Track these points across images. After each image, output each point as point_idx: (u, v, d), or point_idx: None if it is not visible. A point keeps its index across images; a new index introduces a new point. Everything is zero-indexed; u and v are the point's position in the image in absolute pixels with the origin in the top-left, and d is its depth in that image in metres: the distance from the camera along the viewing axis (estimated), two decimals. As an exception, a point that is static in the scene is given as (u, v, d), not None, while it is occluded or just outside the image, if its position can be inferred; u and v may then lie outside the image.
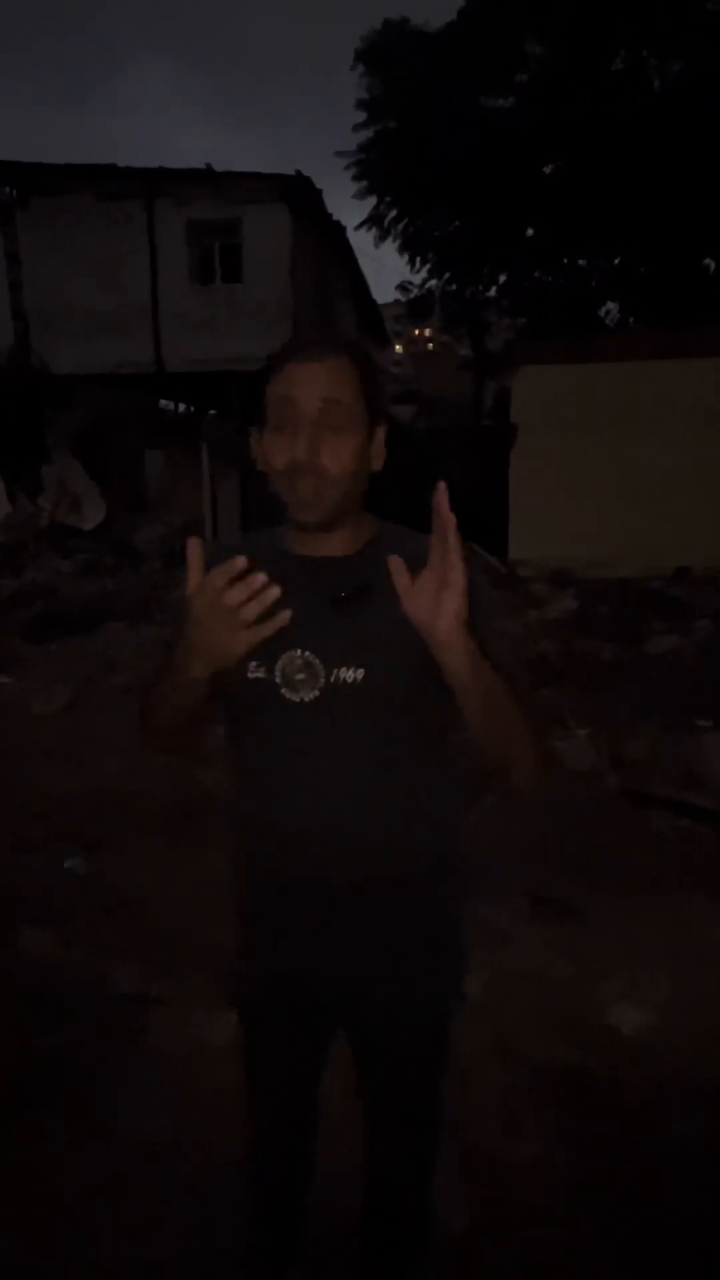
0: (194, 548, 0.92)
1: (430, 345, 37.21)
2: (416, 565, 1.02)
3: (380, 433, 1.05)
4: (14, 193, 13.01)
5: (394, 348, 34.32)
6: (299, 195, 12.49)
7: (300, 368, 0.98)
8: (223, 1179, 1.64)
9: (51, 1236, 1.59)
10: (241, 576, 0.87)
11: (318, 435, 0.97)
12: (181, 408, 15.45)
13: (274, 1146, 1.31)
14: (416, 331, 36.21)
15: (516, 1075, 1.92)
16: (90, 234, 12.52)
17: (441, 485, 0.87)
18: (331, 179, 13.60)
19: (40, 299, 12.89)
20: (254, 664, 1.02)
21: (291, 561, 1.06)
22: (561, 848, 3.17)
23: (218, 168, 12.52)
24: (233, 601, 0.87)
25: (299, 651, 1.00)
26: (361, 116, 14.46)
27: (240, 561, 0.87)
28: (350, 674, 1.01)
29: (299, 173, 12.17)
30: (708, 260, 13.99)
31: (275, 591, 0.88)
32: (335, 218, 14.15)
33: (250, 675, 1.02)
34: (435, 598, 0.88)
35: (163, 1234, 1.59)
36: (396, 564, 0.90)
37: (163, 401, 14.77)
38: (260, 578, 0.87)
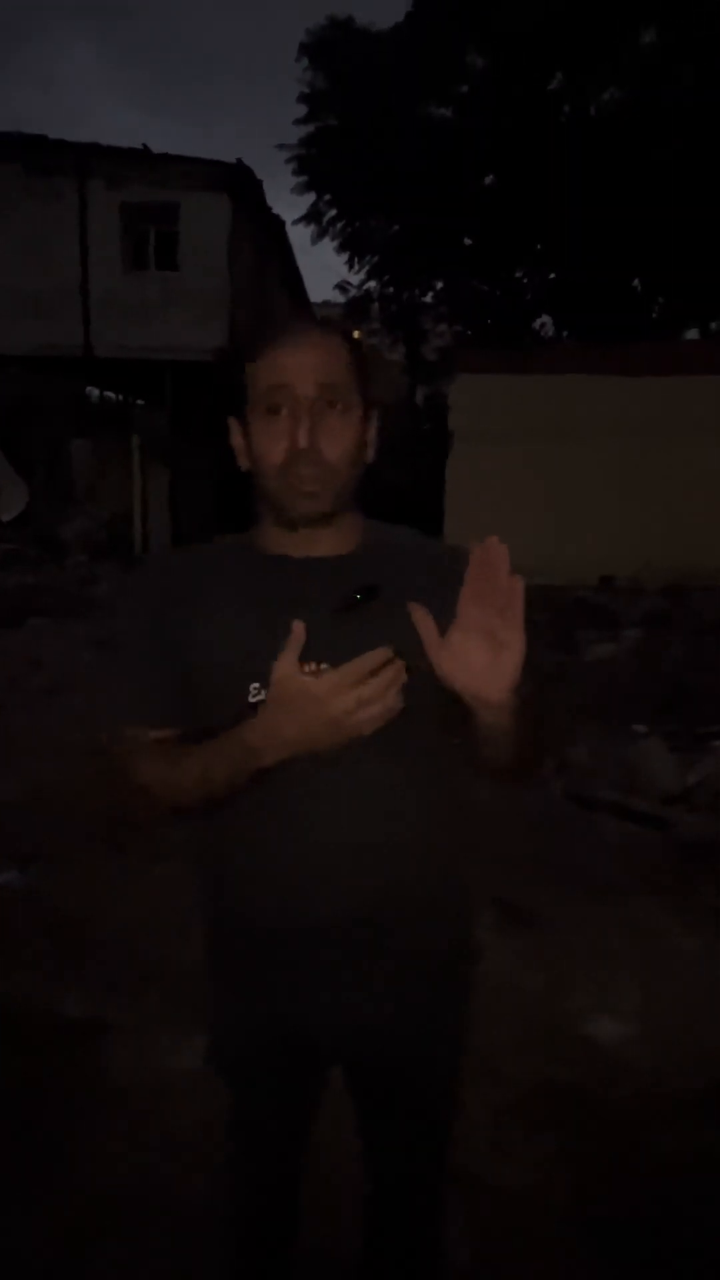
0: (298, 631, 0.81)
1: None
2: (417, 561, 0.97)
3: (375, 421, 0.96)
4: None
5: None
6: (239, 185, 12.25)
7: (292, 350, 0.89)
8: (197, 1228, 1.52)
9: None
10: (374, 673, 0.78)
11: (316, 420, 0.88)
12: (110, 396, 14.92)
13: (256, 1196, 1.20)
14: (356, 332, 36.33)
15: (501, 1093, 1.87)
16: (15, 208, 11.92)
17: (496, 542, 0.79)
18: (270, 173, 13.41)
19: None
20: (255, 686, 0.89)
21: (279, 565, 0.95)
22: (518, 854, 3.16)
23: (155, 150, 12.16)
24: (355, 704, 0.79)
25: (310, 665, 0.84)
26: (303, 111, 14.34)
27: (368, 668, 0.78)
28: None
29: (240, 161, 11.95)
30: (636, 282, 14.51)
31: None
32: (274, 211, 13.98)
33: (253, 699, 0.89)
34: (487, 662, 0.79)
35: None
36: (420, 612, 0.81)
37: (90, 389, 14.22)
38: (388, 675, 0.79)
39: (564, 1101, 1.86)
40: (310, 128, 14.44)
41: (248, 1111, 1.14)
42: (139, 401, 14.31)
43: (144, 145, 11.98)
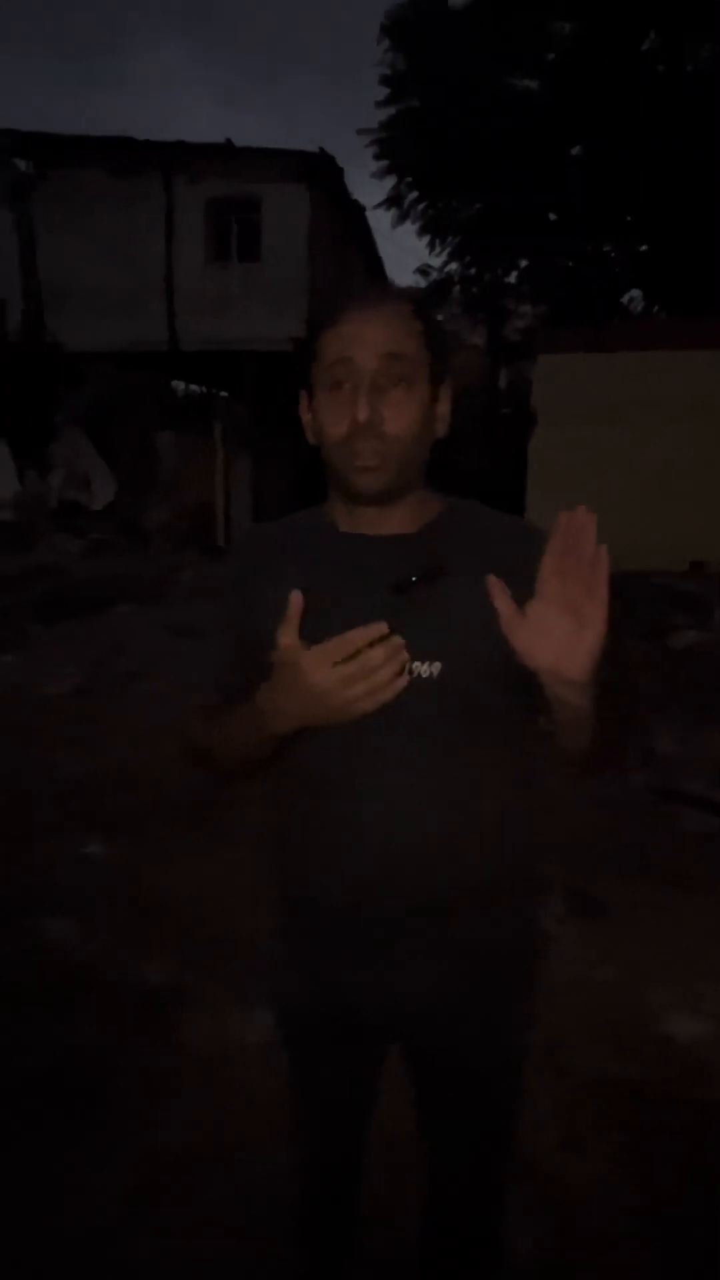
0: (296, 601, 0.81)
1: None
2: (490, 541, 0.94)
3: (446, 393, 0.94)
4: (31, 166, 12.79)
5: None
6: (320, 173, 12.26)
7: (358, 321, 0.87)
8: (265, 1189, 1.55)
9: (87, 1256, 1.50)
10: (352, 656, 0.76)
11: (378, 394, 0.86)
12: (194, 388, 15.27)
13: (320, 1169, 1.21)
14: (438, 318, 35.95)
15: (571, 1088, 1.83)
16: (105, 210, 12.30)
17: (584, 511, 0.76)
18: (350, 160, 13.33)
19: (54, 276, 12.70)
20: None
21: (347, 542, 0.94)
22: (594, 845, 3.07)
23: (239, 144, 12.30)
24: (339, 683, 0.77)
25: (370, 645, 0.84)
26: (384, 93, 14.18)
27: (354, 644, 0.77)
28: (425, 669, 0.88)
29: (321, 150, 11.95)
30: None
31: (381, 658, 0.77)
32: (354, 197, 13.93)
33: None
34: (568, 637, 0.75)
35: (205, 1250, 1.51)
36: (497, 587, 0.79)
37: (175, 382, 14.58)
38: (375, 654, 0.76)
39: (636, 1098, 1.80)
40: (391, 110, 14.26)
41: (308, 1085, 1.15)
42: (222, 393, 14.58)
43: (227, 140, 12.14)
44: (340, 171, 12.54)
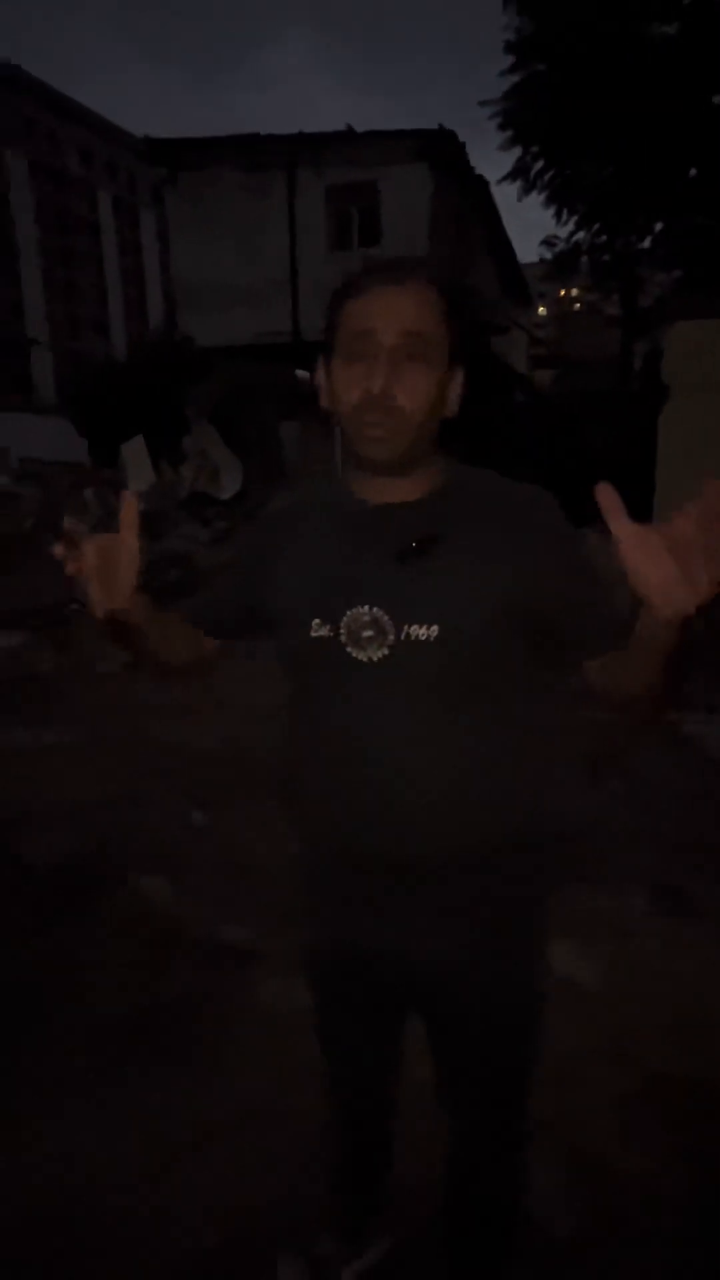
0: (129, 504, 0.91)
1: (577, 305, 35.45)
2: (491, 508, 0.95)
3: (460, 374, 0.95)
4: (165, 171, 13.43)
5: (537, 309, 33.03)
6: (441, 151, 12.12)
7: (382, 294, 0.88)
8: (318, 1143, 1.60)
9: (152, 1178, 1.62)
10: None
11: (394, 368, 0.88)
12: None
13: (349, 1115, 1.26)
14: (562, 291, 34.62)
15: (631, 1079, 1.77)
16: (232, 207, 12.75)
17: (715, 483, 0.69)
18: (473, 133, 13.05)
19: (186, 274, 13.32)
20: (317, 621, 0.94)
21: (356, 509, 0.97)
22: (688, 840, 2.91)
23: (359, 129, 12.35)
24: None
25: (366, 608, 0.91)
26: (508, 62, 13.74)
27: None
28: (423, 631, 0.90)
29: (441, 126, 11.79)
30: None
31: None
32: (478, 172, 13.64)
33: (314, 634, 0.94)
34: (676, 576, 0.70)
35: (256, 1189, 1.59)
36: (606, 492, 0.73)
37: (299, 371, 14.92)
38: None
39: (698, 1096, 1.71)
40: (516, 77, 13.81)
41: (332, 1039, 1.20)
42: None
43: (348, 126, 12.21)
44: (462, 147, 12.32)
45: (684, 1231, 1.45)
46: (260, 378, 12.74)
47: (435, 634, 0.90)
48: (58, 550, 0.88)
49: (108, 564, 0.88)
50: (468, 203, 13.94)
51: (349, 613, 0.93)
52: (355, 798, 0.97)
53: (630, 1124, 1.67)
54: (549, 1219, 1.44)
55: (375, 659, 0.92)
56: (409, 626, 0.91)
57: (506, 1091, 1.11)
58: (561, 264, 14.98)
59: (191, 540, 10.28)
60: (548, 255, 15.61)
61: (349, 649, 0.93)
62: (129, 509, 0.89)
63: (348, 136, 12.26)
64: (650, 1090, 1.74)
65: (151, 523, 10.84)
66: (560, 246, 15.25)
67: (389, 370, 0.88)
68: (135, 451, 11.98)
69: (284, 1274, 1.36)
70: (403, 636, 0.91)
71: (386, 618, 0.91)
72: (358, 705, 0.94)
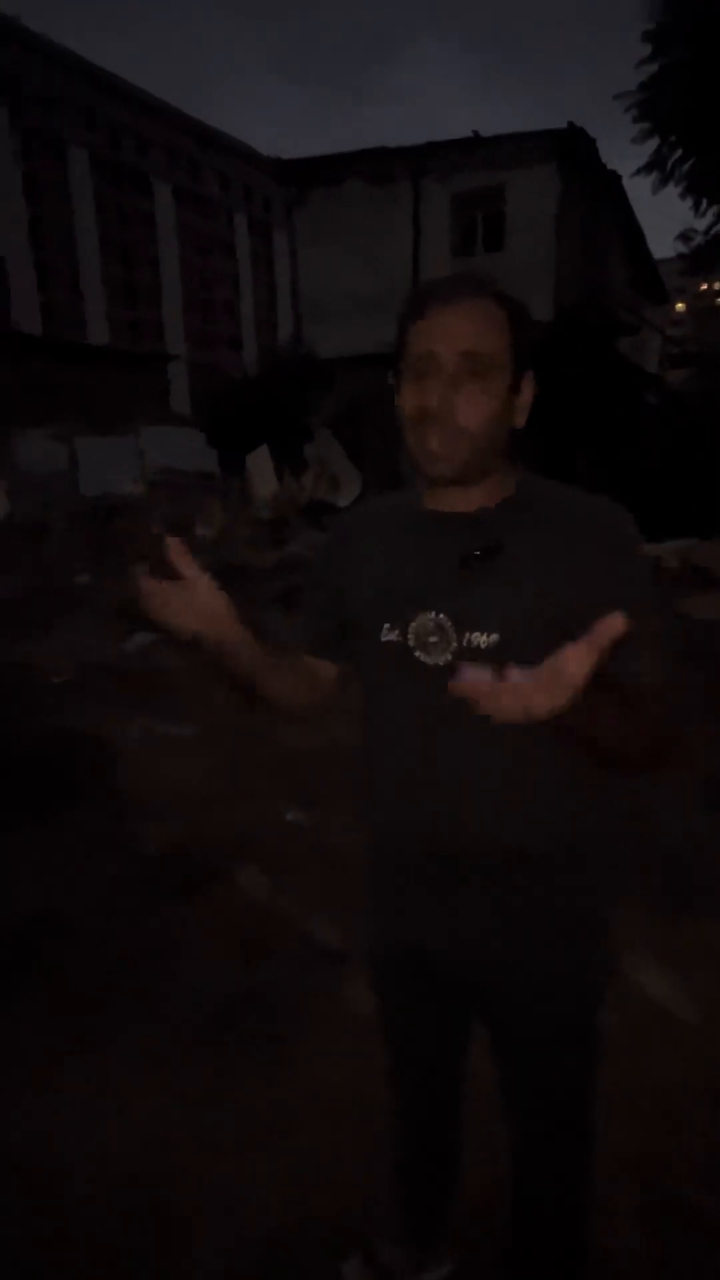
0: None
1: (718, 300, 33.55)
2: (556, 519, 0.94)
3: (527, 384, 0.95)
4: (295, 190, 13.89)
5: (674, 306, 31.58)
6: (571, 149, 11.84)
7: (441, 316, 0.90)
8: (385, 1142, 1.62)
9: (228, 1160, 1.69)
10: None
11: (454, 385, 0.90)
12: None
13: (413, 1120, 1.27)
14: (704, 285, 32.87)
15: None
16: (358, 219, 13.00)
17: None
18: (605, 128, 12.66)
19: (312, 287, 13.70)
20: (387, 626, 0.98)
21: (424, 518, 1.00)
22: None
23: (486, 135, 12.28)
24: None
25: (432, 614, 0.95)
26: (645, 52, 13.22)
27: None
28: (483, 639, 0.92)
29: (571, 124, 11.51)
30: None
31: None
32: (610, 167, 13.22)
33: (384, 638, 0.98)
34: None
35: (326, 1184, 1.62)
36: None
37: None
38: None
39: None
40: (654, 67, 13.27)
41: (396, 1035, 1.22)
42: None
43: (474, 133, 12.17)
44: (593, 143, 11.99)
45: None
46: (380, 386, 12.89)
47: (495, 641, 0.92)
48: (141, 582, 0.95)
49: (183, 599, 0.95)
50: (598, 200, 13.54)
51: (416, 619, 0.96)
52: (420, 797, 0.99)
53: (721, 1169, 1.58)
54: (623, 1268, 1.38)
55: (440, 664, 0.95)
56: (471, 634, 0.93)
57: (564, 1100, 1.09)
58: (699, 258, 14.22)
59: (310, 547, 10.55)
60: (684, 250, 14.88)
61: (416, 653, 0.96)
62: (175, 551, 0.95)
63: (474, 142, 12.22)
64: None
65: (273, 530, 11.23)
66: (698, 240, 14.49)
67: (449, 389, 0.90)
68: (260, 461, 12.43)
69: (346, 1275, 1.38)
70: (465, 643, 0.93)
71: (450, 624, 0.94)
72: (424, 709, 0.97)
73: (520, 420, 0.97)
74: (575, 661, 0.70)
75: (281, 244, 14.11)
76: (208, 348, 47.68)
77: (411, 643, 0.96)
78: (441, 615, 0.94)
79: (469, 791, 0.97)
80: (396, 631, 0.97)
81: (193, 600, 0.95)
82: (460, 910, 1.01)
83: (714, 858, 2.82)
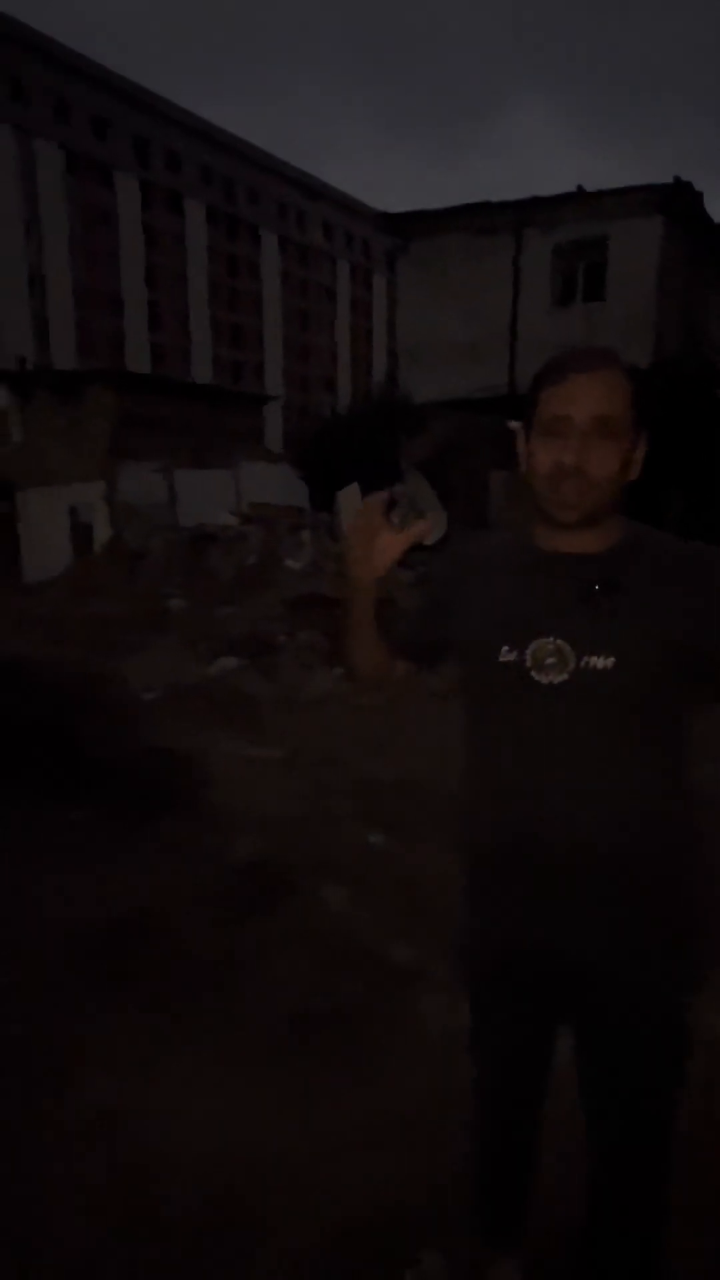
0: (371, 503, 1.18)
1: None
2: (667, 565, 1.07)
3: (643, 443, 1.08)
4: (399, 240, 14.42)
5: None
6: (674, 203, 11.91)
7: (576, 385, 1.03)
8: (463, 1156, 1.67)
9: (304, 1165, 1.77)
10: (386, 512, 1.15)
11: (587, 444, 1.02)
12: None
13: (496, 1123, 1.33)
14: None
15: None
16: (459, 270, 13.35)
17: None
18: (712, 180, 12.67)
19: (411, 334, 14.11)
20: (506, 648, 1.09)
21: (542, 556, 1.12)
22: None
23: (589, 188, 12.49)
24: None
25: (551, 639, 1.06)
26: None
27: (384, 496, 1.16)
28: (601, 662, 1.04)
29: (677, 179, 11.61)
30: None
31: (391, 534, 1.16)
32: (717, 220, 13.21)
33: (502, 659, 1.09)
34: None
35: (399, 1190, 1.68)
36: None
37: (512, 423, 15.13)
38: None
39: None
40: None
41: (485, 1039, 1.29)
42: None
43: (578, 187, 12.40)
44: (699, 196, 12.02)
45: None
46: (473, 429, 13.11)
47: (612, 664, 1.03)
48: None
49: (376, 545, 1.15)
50: (703, 252, 13.52)
51: (535, 642, 1.07)
52: (530, 804, 1.10)
53: None
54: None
55: (556, 683, 1.06)
56: (589, 657, 1.04)
57: (651, 1103, 1.14)
58: None
59: (394, 583, 10.74)
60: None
61: (533, 673, 1.07)
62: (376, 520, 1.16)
63: (579, 197, 12.45)
64: None
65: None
66: None
67: (582, 448, 1.03)
68: (349, 498, 12.77)
69: (426, 1268, 1.44)
70: (582, 664, 1.04)
71: (568, 648, 1.05)
72: (539, 723, 1.08)
73: (635, 474, 1.09)
74: None
75: (380, 289, 14.66)
76: (303, 387, 49.33)
77: (529, 663, 1.07)
78: (559, 640, 1.06)
79: (576, 799, 1.07)
80: (515, 653, 1.08)
81: (379, 551, 1.15)
82: (564, 912, 1.10)
83: None
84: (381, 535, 1.15)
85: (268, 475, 19.00)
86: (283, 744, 4.87)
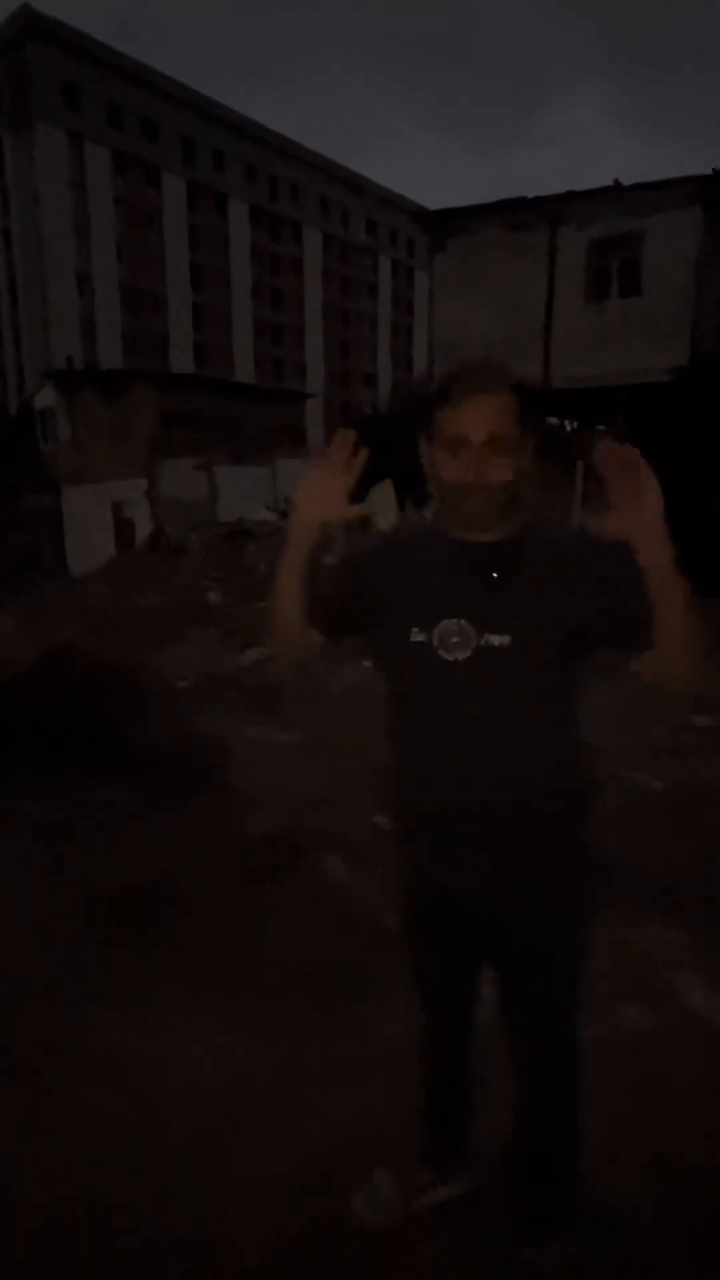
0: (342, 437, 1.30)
1: None
2: (557, 553, 1.23)
3: (531, 449, 1.23)
4: (437, 238, 14.50)
5: None
6: (714, 195, 11.76)
7: (470, 410, 1.18)
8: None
9: (289, 1094, 1.98)
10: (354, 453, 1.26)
11: (484, 459, 1.18)
12: (554, 423, 15.63)
13: (438, 1057, 1.52)
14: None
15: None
16: (495, 265, 13.36)
17: (603, 439, 1.07)
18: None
19: (447, 330, 14.16)
20: (416, 629, 1.25)
21: (450, 546, 1.28)
22: None
23: (629, 181, 12.40)
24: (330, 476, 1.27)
25: (455, 620, 1.22)
26: None
27: (351, 435, 1.27)
28: (499, 640, 1.20)
29: (716, 170, 11.46)
30: None
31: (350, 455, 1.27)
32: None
33: (413, 639, 1.25)
34: (636, 503, 1.06)
35: (371, 1117, 1.88)
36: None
37: (549, 419, 15.10)
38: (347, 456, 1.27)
39: None
40: None
41: (420, 953, 1.50)
42: (598, 427, 14.70)
43: (615, 181, 12.32)
44: (738, 188, 11.85)
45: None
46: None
47: (508, 642, 1.20)
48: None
49: (332, 486, 1.27)
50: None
51: (441, 623, 1.24)
52: (442, 769, 1.27)
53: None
54: (624, 1205, 1.57)
55: (460, 659, 1.23)
56: (488, 635, 1.21)
57: (557, 1015, 1.34)
58: None
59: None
60: None
61: (440, 651, 1.24)
62: (343, 442, 1.27)
63: (615, 191, 12.36)
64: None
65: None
66: None
67: (479, 464, 1.19)
68: (384, 494, 12.95)
69: (378, 1183, 1.64)
70: (483, 643, 1.21)
71: (471, 628, 1.22)
72: (445, 695, 1.25)
73: (529, 473, 1.24)
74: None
75: (422, 286, 14.77)
76: (344, 384, 49.50)
77: (435, 642, 1.23)
78: (463, 621, 1.22)
79: (484, 762, 1.23)
80: (424, 634, 1.24)
81: (330, 490, 1.27)
82: (477, 858, 1.27)
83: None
84: (339, 476, 1.26)
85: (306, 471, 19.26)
86: (305, 730, 5.09)
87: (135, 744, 4.33)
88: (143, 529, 17.58)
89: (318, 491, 1.27)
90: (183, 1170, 1.80)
